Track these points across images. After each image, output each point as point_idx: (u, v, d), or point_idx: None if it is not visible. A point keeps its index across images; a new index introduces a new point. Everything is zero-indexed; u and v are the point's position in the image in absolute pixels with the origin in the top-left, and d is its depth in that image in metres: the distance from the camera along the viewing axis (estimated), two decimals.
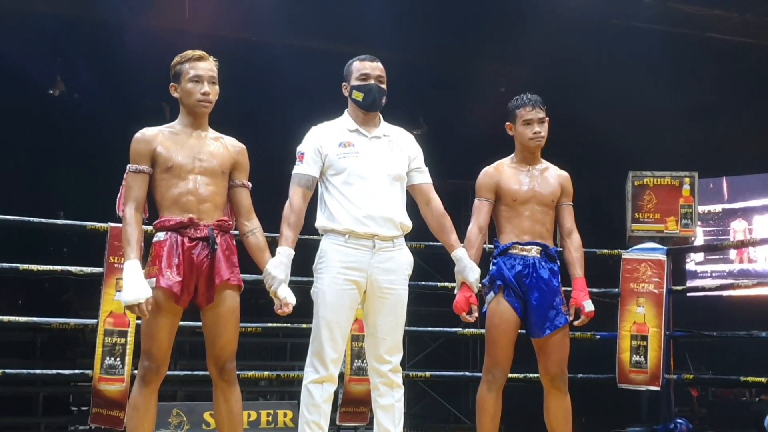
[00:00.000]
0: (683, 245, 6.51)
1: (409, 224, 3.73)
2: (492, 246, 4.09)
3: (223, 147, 3.51)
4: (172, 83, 3.50)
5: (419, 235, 4.34)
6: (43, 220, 5.47)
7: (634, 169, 6.51)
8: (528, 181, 3.97)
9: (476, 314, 3.82)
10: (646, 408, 6.57)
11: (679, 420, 6.10)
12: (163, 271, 3.31)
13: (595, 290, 6.00)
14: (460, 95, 9.50)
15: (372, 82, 3.69)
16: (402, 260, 3.69)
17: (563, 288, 4.02)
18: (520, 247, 3.92)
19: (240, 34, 8.05)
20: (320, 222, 3.69)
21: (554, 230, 4.06)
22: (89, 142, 9.27)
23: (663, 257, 6.09)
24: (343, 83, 3.77)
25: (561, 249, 4.07)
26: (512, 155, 4.08)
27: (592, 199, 9.38)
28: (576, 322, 3.92)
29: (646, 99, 9.26)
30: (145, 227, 3.47)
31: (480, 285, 3.87)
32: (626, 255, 6.15)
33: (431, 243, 5.95)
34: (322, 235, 3.71)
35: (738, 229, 10.56)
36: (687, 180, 6.40)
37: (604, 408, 7.53)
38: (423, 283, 6.32)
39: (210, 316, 3.41)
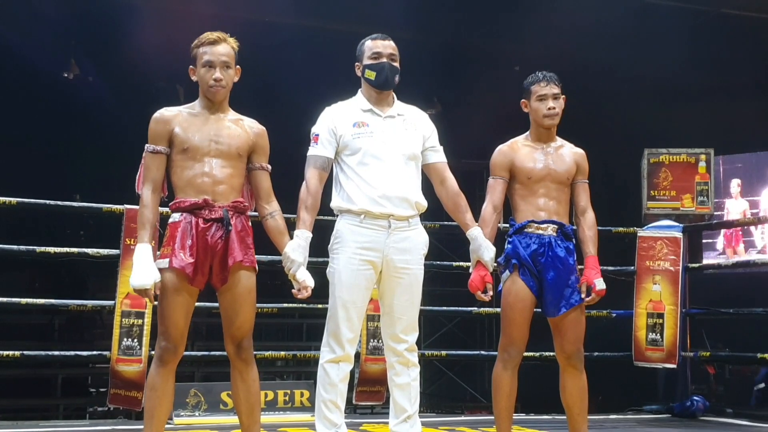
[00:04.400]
0: (699, 222, 6.48)
1: (424, 203, 3.73)
2: (507, 225, 4.08)
3: (241, 129, 3.50)
4: (190, 66, 3.50)
5: (434, 214, 4.33)
6: (59, 202, 5.49)
7: (649, 147, 6.47)
8: (543, 158, 3.93)
9: (491, 293, 3.81)
10: (662, 386, 6.57)
11: (695, 397, 6.09)
12: (176, 252, 3.32)
13: (610, 268, 6.01)
14: (474, 75, 9.46)
15: (384, 60, 3.68)
16: (417, 240, 3.69)
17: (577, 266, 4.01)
18: (536, 225, 3.89)
19: (252, 15, 8.03)
20: (335, 202, 3.70)
21: (570, 208, 4.05)
22: (104, 125, 9.30)
23: (679, 235, 6.07)
24: (356, 63, 3.76)
25: (575, 227, 4.06)
26: (527, 133, 4.05)
27: (608, 177, 9.37)
28: (586, 300, 3.90)
29: (662, 76, 9.20)
30: (162, 209, 3.48)
31: (495, 264, 3.87)
32: (642, 233, 6.13)
33: (446, 223, 5.95)
34: (337, 216, 3.72)
35: (734, 210, 10.44)
36: (703, 157, 6.37)
37: (621, 386, 7.54)
38: (438, 262, 6.32)
39: (226, 296, 3.41)
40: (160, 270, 3.33)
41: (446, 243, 8.66)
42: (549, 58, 7.95)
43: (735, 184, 10.49)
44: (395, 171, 3.64)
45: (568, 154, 3.99)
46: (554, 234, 3.88)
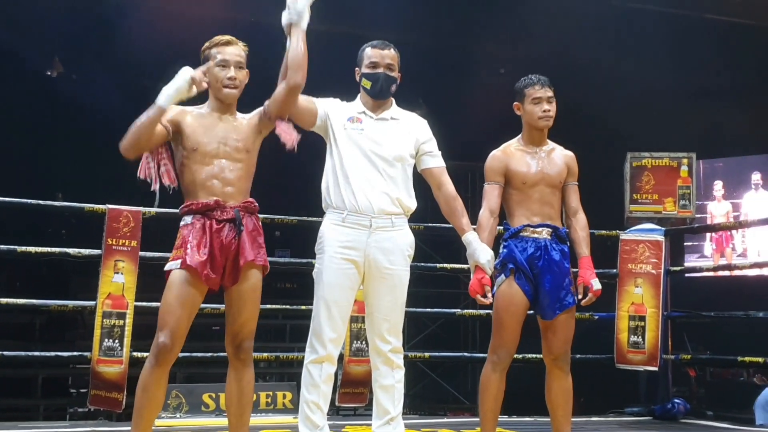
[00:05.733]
0: (681, 226, 6.51)
1: (410, 205, 3.73)
2: (502, 228, 4.07)
3: (246, 126, 3.52)
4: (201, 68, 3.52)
5: (419, 216, 4.33)
6: (41, 201, 5.47)
7: (632, 150, 6.50)
8: (536, 163, 3.94)
9: (491, 296, 3.80)
10: (644, 388, 6.59)
11: (677, 400, 6.12)
12: (188, 252, 3.30)
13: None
14: (459, 77, 9.49)
15: (381, 70, 3.70)
16: (402, 241, 3.69)
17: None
18: (532, 229, 3.90)
19: (241, 15, 8.01)
20: (324, 202, 3.72)
21: (561, 210, 4.06)
22: (88, 124, 9.25)
23: (661, 238, 6.10)
24: (356, 68, 3.78)
25: (567, 229, 4.06)
26: (518, 137, 4.05)
27: (591, 180, 9.31)
28: (583, 301, 3.92)
29: (645, 80, 9.25)
30: (170, 210, 3.46)
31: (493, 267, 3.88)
32: (624, 236, 6.16)
33: (431, 224, 5.97)
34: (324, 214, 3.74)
35: (717, 213, 10.50)
36: (685, 161, 6.40)
37: (603, 388, 7.56)
38: (422, 264, 6.32)
39: (233, 294, 3.40)
40: (171, 272, 3.32)
41: (430, 244, 8.66)
42: (533, 60, 7.98)
43: (718, 187, 10.56)
44: (380, 170, 3.64)
45: (559, 157, 4.01)
46: (549, 237, 3.90)
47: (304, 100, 3.65)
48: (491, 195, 3.95)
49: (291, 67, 3.49)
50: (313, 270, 3.71)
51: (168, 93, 3.35)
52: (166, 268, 3.35)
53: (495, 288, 3.91)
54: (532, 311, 3.96)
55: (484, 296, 3.76)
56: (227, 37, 3.51)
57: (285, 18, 3.55)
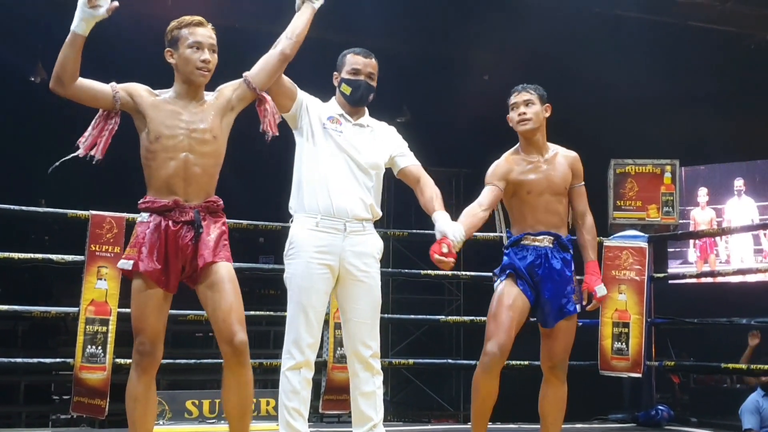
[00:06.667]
0: (664, 233, 6.53)
1: (379, 212, 3.74)
2: (506, 236, 4.03)
3: (213, 105, 3.35)
4: (168, 48, 3.35)
5: (403, 222, 4.34)
6: (24, 207, 5.43)
7: (616, 157, 6.53)
8: (539, 171, 3.88)
9: (453, 257, 3.55)
10: (628, 395, 6.60)
11: (660, 407, 6.13)
12: (142, 256, 3.22)
13: (576, 277, 6.04)
14: (443, 83, 9.50)
15: (362, 78, 3.70)
16: (373, 244, 3.68)
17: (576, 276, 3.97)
18: (532, 237, 3.86)
19: (223, 22, 7.98)
20: (292, 202, 3.69)
21: (567, 216, 4.00)
22: (71, 130, 9.17)
23: (644, 245, 6.12)
24: (335, 72, 3.77)
25: (574, 236, 4.00)
26: (516, 146, 4.00)
27: None
28: (588, 307, 3.89)
29: (629, 87, 9.29)
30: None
31: (492, 274, 3.86)
32: (608, 242, 6.17)
33: (414, 231, 5.98)
34: (292, 218, 3.70)
35: (701, 220, 10.55)
36: (668, 168, 6.42)
37: (587, 395, 7.56)
38: (406, 270, 6.33)
39: (204, 292, 3.27)
40: (124, 270, 3.26)
41: (414, 251, 8.66)
42: (517, 67, 8.01)
43: (702, 194, 10.61)
44: (355, 175, 3.64)
45: (561, 161, 3.95)
46: (550, 245, 3.86)
47: (286, 80, 3.62)
48: (485, 193, 3.86)
49: (290, 37, 3.47)
50: (284, 275, 3.67)
51: (78, 17, 3.21)
52: (119, 265, 3.29)
53: (495, 290, 3.87)
54: (534, 318, 3.94)
55: (445, 256, 3.48)
56: (198, 18, 3.34)
57: None
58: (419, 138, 3.86)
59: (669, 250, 10.22)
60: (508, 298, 3.80)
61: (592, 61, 8.91)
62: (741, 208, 10.42)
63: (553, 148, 4.00)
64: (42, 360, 5.72)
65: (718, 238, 10.36)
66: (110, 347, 5.07)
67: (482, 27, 8.57)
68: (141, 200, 3.31)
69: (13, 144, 9.40)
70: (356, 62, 3.71)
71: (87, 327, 5.06)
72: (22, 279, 9.89)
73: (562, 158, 3.96)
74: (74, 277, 5.29)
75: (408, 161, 3.80)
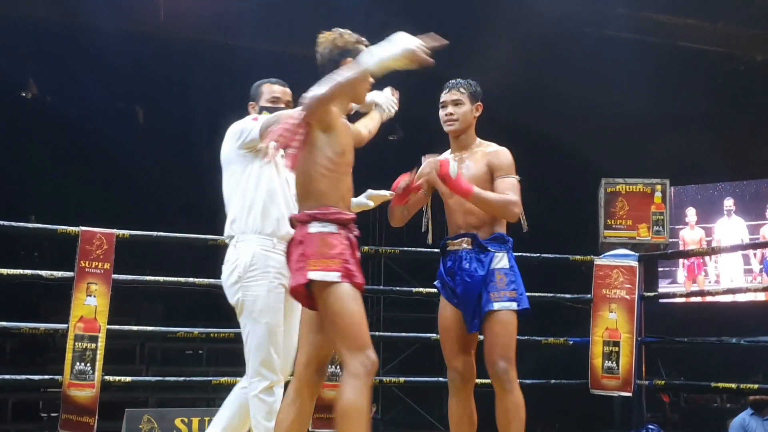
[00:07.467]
0: (655, 252, 6.54)
1: None
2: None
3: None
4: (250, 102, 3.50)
5: (395, 241, 4.34)
6: (13, 223, 5.41)
7: (606, 176, 6.54)
8: (456, 170, 3.63)
9: (406, 180, 3.60)
10: (618, 414, 6.59)
11: (651, 426, 6.12)
12: (350, 267, 3.00)
13: (567, 296, 6.06)
14: (429, 102, 9.50)
15: (282, 106, 3.82)
16: None
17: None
18: (451, 242, 3.78)
19: (214, 38, 8.02)
20: (244, 221, 3.71)
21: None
22: (61, 145, 9.20)
23: (635, 263, 6.12)
24: (251, 102, 3.90)
25: (505, 233, 3.80)
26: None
27: (566, 206, 9.44)
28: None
29: (619, 107, 9.33)
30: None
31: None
32: (599, 261, 6.18)
33: (406, 248, 5.97)
34: (231, 238, 3.75)
35: (690, 240, 10.56)
36: (659, 187, 6.44)
37: (577, 414, 7.56)
38: (398, 288, 6.33)
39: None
40: (340, 285, 2.98)
41: (406, 269, 8.67)
42: (505, 87, 8.02)
43: (691, 214, 10.63)
44: (291, 199, 3.69)
45: (479, 158, 3.77)
46: (469, 247, 3.72)
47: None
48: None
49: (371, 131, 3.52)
50: (241, 298, 3.68)
51: (381, 56, 2.91)
52: (324, 278, 2.97)
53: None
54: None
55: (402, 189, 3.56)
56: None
57: (378, 99, 3.67)
58: (411, 156, 3.84)
59: (658, 269, 10.22)
60: (441, 317, 3.80)
61: (582, 81, 8.94)
62: (731, 227, 10.44)
63: (482, 145, 3.83)
64: (30, 377, 5.69)
65: (707, 258, 10.37)
66: (99, 364, 5.05)
67: (469, 46, 8.59)
68: (322, 210, 3.06)
69: (3, 159, 9.37)
70: (274, 91, 3.89)
71: (76, 344, 5.03)
72: (10, 295, 9.83)
73: (480, 154, 3.78)
74: (63, 294, 5.26)
75: None
